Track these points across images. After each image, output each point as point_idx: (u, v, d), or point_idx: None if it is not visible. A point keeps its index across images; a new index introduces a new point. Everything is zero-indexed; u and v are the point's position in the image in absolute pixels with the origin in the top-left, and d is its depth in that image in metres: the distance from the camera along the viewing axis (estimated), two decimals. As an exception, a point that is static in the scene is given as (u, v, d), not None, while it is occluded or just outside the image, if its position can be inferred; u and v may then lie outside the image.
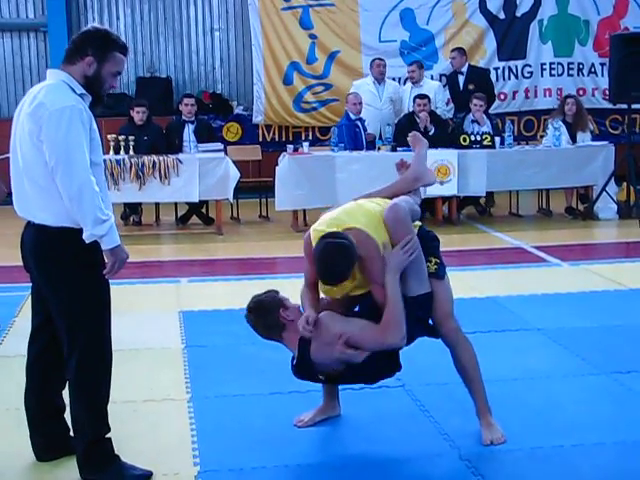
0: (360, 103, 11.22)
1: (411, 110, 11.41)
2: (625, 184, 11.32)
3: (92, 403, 3.83)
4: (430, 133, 10.83)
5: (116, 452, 3.91)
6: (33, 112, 3.66)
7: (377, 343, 4.00)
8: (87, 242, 3.67)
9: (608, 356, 5.51)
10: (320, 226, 4.17)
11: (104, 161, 9.57)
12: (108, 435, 3.89)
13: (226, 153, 10.77)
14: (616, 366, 5.30)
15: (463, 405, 4.40)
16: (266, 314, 4.11)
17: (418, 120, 11.12)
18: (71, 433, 4.00)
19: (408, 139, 4.86)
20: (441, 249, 4.36)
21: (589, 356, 5.52)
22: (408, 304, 4.05)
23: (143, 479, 3.84)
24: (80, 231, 3.67)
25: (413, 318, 4.07)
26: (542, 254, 9.06)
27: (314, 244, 4.06)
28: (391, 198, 4.33)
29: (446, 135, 11.25)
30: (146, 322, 6.52)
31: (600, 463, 4.00)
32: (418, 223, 4.35)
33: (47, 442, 4.03)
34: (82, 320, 3.77)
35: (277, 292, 4.22)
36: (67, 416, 4.01)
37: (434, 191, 10.64)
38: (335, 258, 3.91)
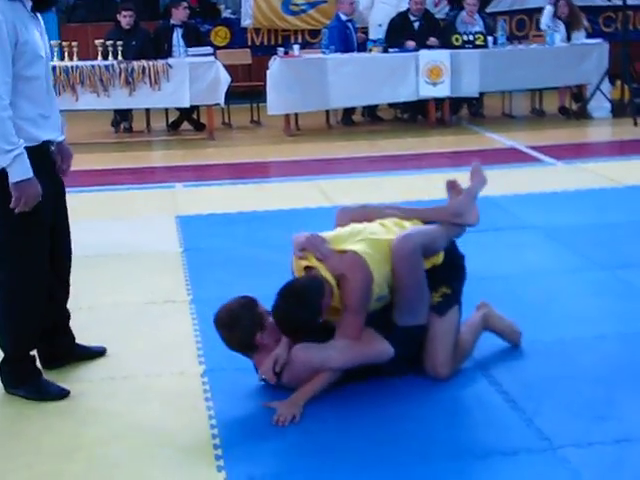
0: (353, 3, 11.04)
1: (407, 8, 11.21)
2: (619, 82, 11.23)
3: (14, 329, 3.76)
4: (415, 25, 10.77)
5: (39, 369, 3.88)
6: None
7: (364, 356, 3.67)
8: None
9: (607, 252, 5.53)
10: None
11: (93, 67, 9.72)
12: (32, 353, 3.85)
13: (215, 57, 10.59)
14: (615, 262, 5.33)
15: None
16: (242, 333, 3.68)
17: (412, 19, 10.96)
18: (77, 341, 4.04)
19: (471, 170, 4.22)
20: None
21: (588, 252, 5.54)
22: (393, 334, 3.75)
23: (60, 395, 3.77)
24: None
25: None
26: (536, 154, 9.02)
27: (295, 270, 3.81)
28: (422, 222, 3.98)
29: (436, 33, 11.11)
30: (143, 227, 6.49)
31: (600, 355, 4.03)
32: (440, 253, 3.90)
33: (54, 351, 4.03)
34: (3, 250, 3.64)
35: (255, 302, 3.74)
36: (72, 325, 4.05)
37: (426, 93, 10.57)
38: (291, 314, 3.56)
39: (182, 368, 4.00)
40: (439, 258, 3.88)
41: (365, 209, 4.06)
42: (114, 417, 3.59)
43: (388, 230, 3.85)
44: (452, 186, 4.13)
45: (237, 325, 3.67)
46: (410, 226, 3.90)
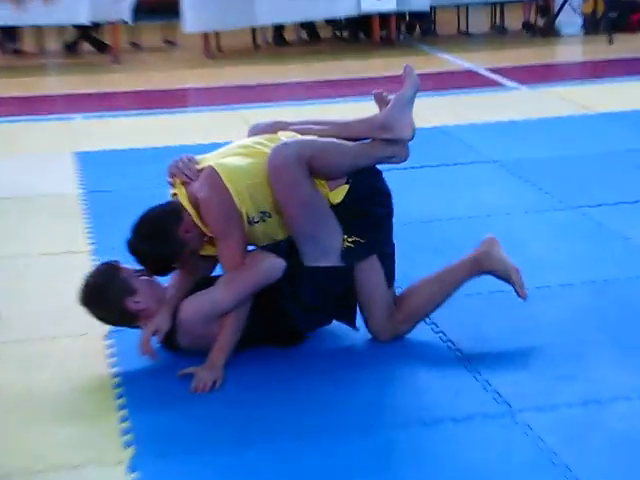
0: None
1: None
2: (591, -6, 11.33)
3: None
4: None
5: None
6: None
7: (251, 280, 3.62)
8: None
9: (574, 189, 5.61)
10: None
11: None
12: None
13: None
14: (584, 200, 5.41)
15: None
16: (109, 308, 3.66)
17: None
18: None
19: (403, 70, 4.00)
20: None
21: (553, 189, 5.61)
22: (300, 275, 3.71)
23: None
24: None
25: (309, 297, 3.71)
26: (496, 77, 9.09)
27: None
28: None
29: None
30: (35, 166, 6.43)
31: (566, 305, 4.10)
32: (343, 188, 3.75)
33: None
34: None
35: (116, 267, 3.70)
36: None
37: (370, 7, 10.54)
38: (145, 248, 3.62)
39: (83, 331, 3.97)
40: (339, 193, 3.74)
41: (278, 125, 3.97)
42: (2, 387, 3.55)
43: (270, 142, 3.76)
44: (380, 98, 3.95)
45: (103, 298, 3.65)
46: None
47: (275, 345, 3.77)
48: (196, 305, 3.63)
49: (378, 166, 3.89)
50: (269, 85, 9.10)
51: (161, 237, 3.60)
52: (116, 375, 3.60)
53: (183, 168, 3.71)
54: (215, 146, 3.96)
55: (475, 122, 7.19)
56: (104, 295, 3.64)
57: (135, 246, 3.63)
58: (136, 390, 3.50)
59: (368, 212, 3.81)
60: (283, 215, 3.67)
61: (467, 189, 5.66)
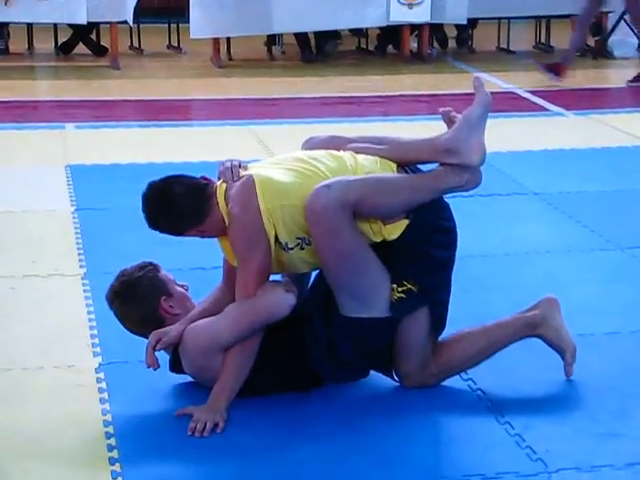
0: None
1: None
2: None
3: None
4: None
5: None
6: None
7: (253, 314, 3.61)
8: None
9: (624, 227, 5.65)
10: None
11: None
12: None
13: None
14: (634, 240, 5.44)
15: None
16: (140, 304, 3.74)
17: None
18: None
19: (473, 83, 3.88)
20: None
21: (600, 227, 5.65)
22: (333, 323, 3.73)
23: None
24: None
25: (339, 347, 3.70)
26: (540, 101, 9.16)
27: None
28: (399, 164, 3.80)
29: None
30: (24, 179, 6.51)
31: (612, 356, 4.13)
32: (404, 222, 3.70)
33: None
34: None
35: (157, 268, 3.83)
36: None
37: (400, 17, 10.62)
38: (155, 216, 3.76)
39: (72, 360, 4.03)
40: (395, 229, 3.71)
41: (335, 141, 3.93)
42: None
43: (339, 163, 3.75)
44: (448, 118, 3.83)
45: (133, 293, 3.72)
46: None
47: (287, 391, 3.77)
48: (196, 335, 3.65)
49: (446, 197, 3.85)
50: (282, 99, 9.15)
51: (173, 209, 3.70)
52: (107, 412, 3.62)
53: (228, 170, 3.73)
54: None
55: (515, 150, 7.24)
56: (138, 289, 3.73)
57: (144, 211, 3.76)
58: (128, 433, 3.52)
59: (427, 254, 3.75)
60: (320, 262, 3.68)
61: (504, 223, 5.70)
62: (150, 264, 3.82)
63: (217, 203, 3.68)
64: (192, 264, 4.75)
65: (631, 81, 9.84)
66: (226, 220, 3.65)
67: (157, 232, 3.82)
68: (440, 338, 3.89)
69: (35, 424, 3.56)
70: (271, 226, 3.61)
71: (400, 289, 3.72)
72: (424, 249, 3.76)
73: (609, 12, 11.24)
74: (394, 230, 3.69)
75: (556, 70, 9.69)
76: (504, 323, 3.95)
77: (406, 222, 3.69)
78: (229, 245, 3.70)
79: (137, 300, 3.73)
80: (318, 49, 11.35)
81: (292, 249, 3.67)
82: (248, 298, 3.62)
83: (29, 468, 3.28)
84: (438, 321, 3.84)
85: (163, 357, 3.76)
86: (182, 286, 3.85)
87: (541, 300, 3.97)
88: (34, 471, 3.27)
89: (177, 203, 3.69)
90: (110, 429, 3.51)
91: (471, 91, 3.84)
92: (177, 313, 3.74)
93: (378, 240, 3.72)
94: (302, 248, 3.67)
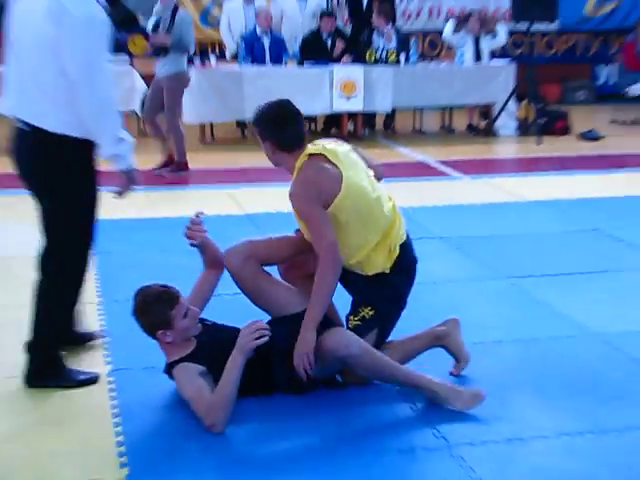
0: (271, 19, 11.08)
1: (317, 26, 11.39)
2: (524, 102, 11.51)
3: (64, 315, 3.86)
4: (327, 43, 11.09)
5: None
6: (53, 14, 3.37)
7: (200, 414, 3.38)
8: (104, 158, 3.58)
9: (507, 262, 5.67)
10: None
11: None
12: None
13: (132, 66, 10.51)
14: (514, 271, 5.47)
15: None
16: (148, 325, 3.59)
17: (324, 37, 11.11)
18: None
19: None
20: None
21: (489, 262, 5.68)
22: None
23: (91, 381, 3.80)
24: (82, 142, 3.53)
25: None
26: (445, 168, 9.20)
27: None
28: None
29: (348, 49, 11.29)
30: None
31: (498, 358, 4.14)
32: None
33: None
34: (71, 226, 3.68)
35: (173, 298, 3.57)
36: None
37: (340, 106, 10.68)
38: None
39: (89, 366, 3.98)
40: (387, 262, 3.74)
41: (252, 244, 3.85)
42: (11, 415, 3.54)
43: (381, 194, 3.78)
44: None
45: (145, 316, 3.56)
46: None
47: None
48: (182, 383, 3.49)
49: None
50: (252, 169, 9.13)
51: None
52: (114, 407, 3.58)
53: None
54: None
55: (425, 205, 7.26)
56: (150, 318, 3.55)
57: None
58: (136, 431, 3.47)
59: (391, 283, 3.78)
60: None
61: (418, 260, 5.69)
62: (167, 293, 3.56)
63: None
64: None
65: (157, 168, 8.89)
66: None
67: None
68: None
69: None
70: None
71: (356, 318, 3.72)
72: (392, 279, 3.77)
73: (495, 103, 11.35)
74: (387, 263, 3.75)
75: None
76: (418, 335, 3.96)
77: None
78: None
79: (148, 321, 3.57)
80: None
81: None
82: (321, 247, 3.53)
83: (46, 461, 3.21)
84: (382, 338, 3.82)
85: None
86: (194, 311, 3.63)
87: (448, 320, 4.02)
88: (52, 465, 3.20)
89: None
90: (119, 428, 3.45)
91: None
92: (170, 342, 3.58)
93: (370, 273, 3.74)
94: None
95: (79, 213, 3.68)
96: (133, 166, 3.66)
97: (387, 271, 3.76)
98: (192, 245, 3.88)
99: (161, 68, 8.67)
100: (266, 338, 3.40)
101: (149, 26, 8.70)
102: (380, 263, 3.76)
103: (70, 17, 3.36)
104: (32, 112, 3.51)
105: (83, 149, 3.57)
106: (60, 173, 3.56)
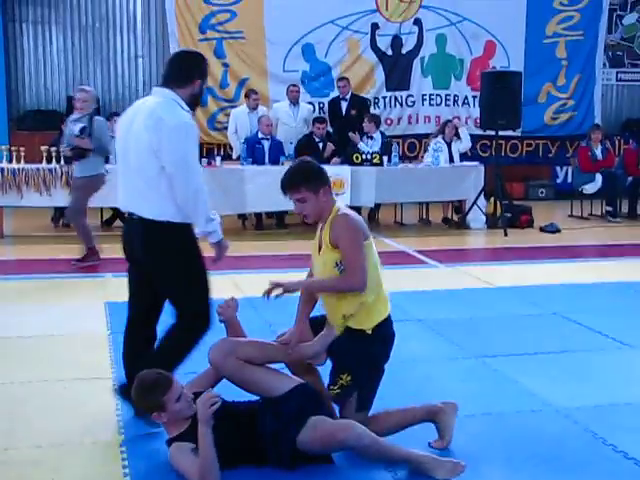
0: (271, 125, 11.34)
1: (310, 131, 11.65)
2: (493, 199, 11.64)
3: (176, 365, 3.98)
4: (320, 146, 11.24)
5: None
6: (153, 125, 3.76)
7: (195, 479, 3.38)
8: (198, 236, 3.86)
9: (478, 342, 5.66)
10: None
11: (38, 169, 9.65)
12: None
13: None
14: (484, 350, 5.46)
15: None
16: (144, 408, 3.64)
17: (316, 140, 11.29)
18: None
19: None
20: None
21: (462, 342, 5.66)
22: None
23: None
24: (183, 225, 3.82)
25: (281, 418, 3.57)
26: (422, 257, 9.23)
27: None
28: None
29: (340, 151, 11.47)
30: (74, 312, 6.40)
31: (469, 432, 4.10)
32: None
33: None
34: (190, 297, 3.92)
35: (169, 382, 3.55)
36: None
37: (330, 202, 10.74)
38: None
39: (103, 437, 3.94)
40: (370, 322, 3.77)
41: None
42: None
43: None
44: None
45: (140, 397, 3.56)
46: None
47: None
48: (176, 460, 3.48)
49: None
50: (252, 256, 9.17)
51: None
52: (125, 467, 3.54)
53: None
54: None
55: (404, 290, 7.23)
56: (145, 400, 3.56)
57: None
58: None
59: (370, 353, 3.80)
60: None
61: (396, 341, 5.65)
62: (160, 380, 3.54)
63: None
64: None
65: (78, 260, 8.34)
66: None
67: None
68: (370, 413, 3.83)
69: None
70: None
71: (335, 387, 3.69)
72: (371, 344, 3.76)
73: (466, 199, 11.46)
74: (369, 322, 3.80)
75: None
76: (413, 408, 3.93)
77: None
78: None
79: (142, 403, 3.61)
80: (278, 221, 11.47)
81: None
82: (355, 277, 3.72)
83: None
84: (362, 403, 3.77)
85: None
86: (187, 395, 3.59)
87: (447, 401, 3.97)
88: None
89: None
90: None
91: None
92: (164, 422, 3.57)
93: (354, 327, 3.76)
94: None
95: (192, 284, 3.92)
96: (222, 237, 4.00)
97: (369, 332, 3.76)
98: (221, 321, 3.99)
99: (80, 169, 8.38)
100: (219, 403, 3.37)
101: (75, 131, 8.29)
102: (366, 320, 3.77)
103: (166, 126, 3.75)
104: (141, 205, 3.84)
105: (184, 231, 3.87)
106: (169, 253, 3.85)
